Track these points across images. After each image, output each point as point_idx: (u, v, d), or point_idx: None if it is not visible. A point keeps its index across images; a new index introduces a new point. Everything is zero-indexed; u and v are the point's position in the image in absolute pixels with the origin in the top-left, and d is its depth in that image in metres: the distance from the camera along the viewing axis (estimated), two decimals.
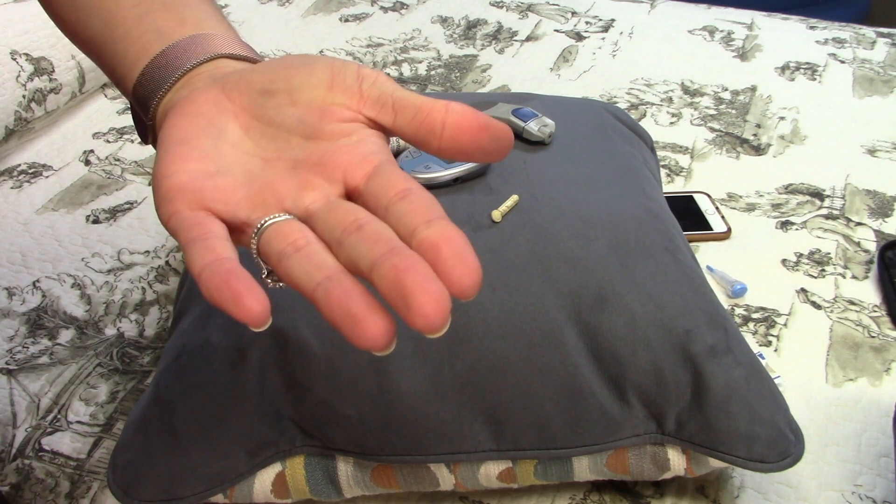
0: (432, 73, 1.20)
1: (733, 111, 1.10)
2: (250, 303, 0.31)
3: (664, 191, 0.94)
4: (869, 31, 1.29)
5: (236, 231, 0.37)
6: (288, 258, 0.34)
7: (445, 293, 0.30)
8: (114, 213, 0.95)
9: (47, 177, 1.02)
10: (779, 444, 0.57)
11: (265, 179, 0.38)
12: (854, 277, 0.83)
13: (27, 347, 0.77)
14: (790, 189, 0.96)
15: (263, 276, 0.36)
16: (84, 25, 0.53)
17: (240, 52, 0.46)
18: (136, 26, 0.49)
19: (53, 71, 1.07)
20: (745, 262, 0.85)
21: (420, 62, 1.23)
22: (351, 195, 0.37)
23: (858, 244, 0.88)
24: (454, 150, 0.36)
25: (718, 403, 0.57)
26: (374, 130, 0.38)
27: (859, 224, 0.90)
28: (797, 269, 0.85)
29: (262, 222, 0.36)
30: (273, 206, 0.37)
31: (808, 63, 1.21)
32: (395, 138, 0.72)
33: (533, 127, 0.72)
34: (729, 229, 0.88)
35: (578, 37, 1.30)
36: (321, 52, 1.25)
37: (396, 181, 0.34)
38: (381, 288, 0.30)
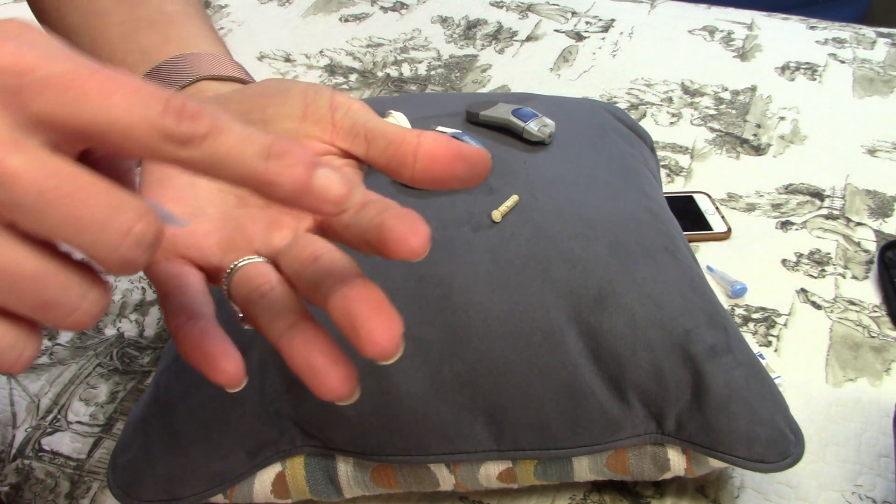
0: (432, 73, 1.20)
1: (733, 111, 1.10)
2: (224, 365, 0.32)
3: (664, 191, 0.94)
4: (869, 31, 1.29)
5: (213, 276, 0.37)
6: (254, 304, 0.34)
7: (397, 320, 0.30)
8: None
9: None
10: (779, 444, 0.57)
11: (237, 221, 0.38)
12: (854, 277, 0.83)
13: None
14: (790, 189, 0.96)
15: (239, 318, 0.36)
16: (72, 46, 0.53)
17: (223, 73, 0.45)
18: (121, 46, 0.49)
19: None
20: (745, 262, 0.85)
21: (420, 62, 1.23)
22: (321, 225, 0.37)
23: (858, 244, 0.88)
24: (427, 181, 0.35)
25: (718, 403, 0.57)
26: (347, 160, 0.38)
27: (859, 224, 0.90)
28: (797, 269, 0.85)
29: (231, 266, 0.36)
30: (244, 248, 0.37)
31: (808, 63, 1.21)
32: None
33: (533, 127, 0.72)
34: (729, 229, 0.88)
35: (578, 37, 1.30)
36: (321, 52, 1.25)
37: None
38: (333, 318, 0.30)
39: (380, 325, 0.29)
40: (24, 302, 0.26)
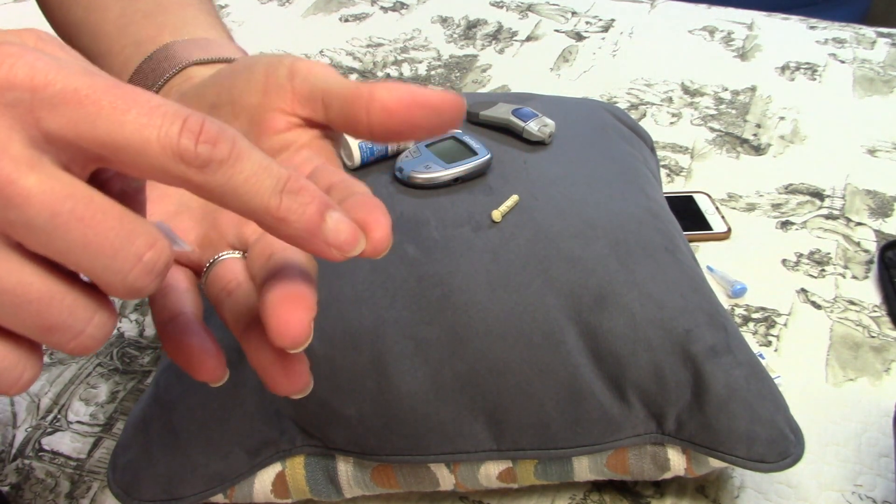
0: (432, 73, 1.20)
1: (733, 111, 1.10)
2: (205, 362, 0.32)
3: (664, 191, 0.94)
4: (869, 31, 1.29)
5: (197, 273, 0.37)
6: (221, 303, 0.34)
7: (305, 309, 0.29)
8: None
9: None
10: (779, 444, 0.57)
11: (212, 216, 0.37)
12: (854, 277, 0.83)
13: None
14: (790, 189, 0.96)
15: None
16: (75, 43, 0.53)
17: (213, 56, 0.45)
18: (118, 40, 0.49)
19: None
20: (745, 262, 0.85)
21: (420, 62, 1.23)
22: None
23: (858, 244, 0.88)
24: (387, 134, 0.34)
25: (718, 403, 0.57)
26: (312, 131, 0.37)
27: (859, 224, 0.90)
28: (797, 269, 0.85)
29: (209, 263, 0.36)
30: (219, 243, 0.37)
31: (808, 63, 1.21)
32: None
33: (533, 127, 0.72)
34: (729, 229, 0.88)
35: (578, 37, 1.30)
36: (321, 52, 1.25)
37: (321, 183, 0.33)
38: (260, 310, 0.30)
39: (286, 314, 0.29)
40: (28, 324, 0.26)
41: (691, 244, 0.87)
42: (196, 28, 0.48)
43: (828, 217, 0.91)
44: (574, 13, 1.37)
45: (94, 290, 0.27)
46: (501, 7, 1.39)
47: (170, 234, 0.28)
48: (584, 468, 0.60)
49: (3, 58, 0.24)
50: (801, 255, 0.86)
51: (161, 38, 0.47)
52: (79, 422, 0.70)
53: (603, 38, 1.29)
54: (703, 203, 0.91)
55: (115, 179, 0.30)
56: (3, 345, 0.26)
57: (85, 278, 0.27)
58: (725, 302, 0.81)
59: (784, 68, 1.20)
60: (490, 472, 0.60)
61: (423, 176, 0.67)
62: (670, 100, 1.13)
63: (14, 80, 0.24)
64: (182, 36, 0.46)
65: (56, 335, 0.26)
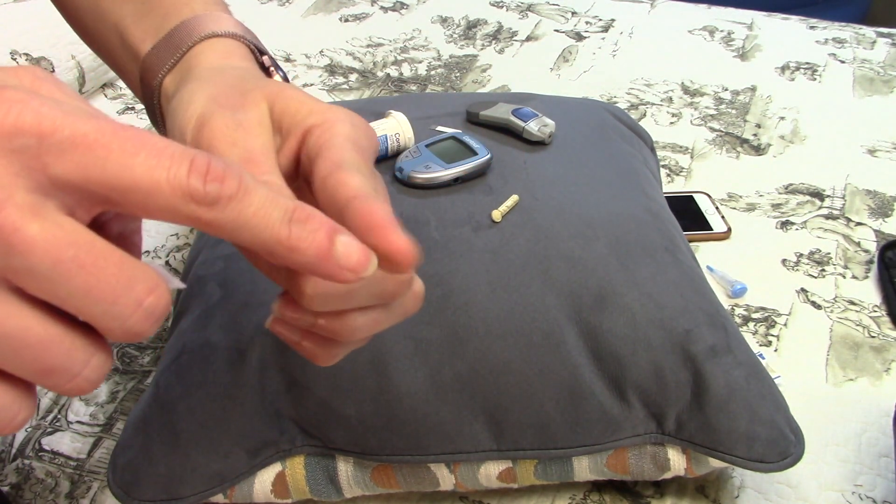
0: (432, 73, 1.20)
1: (733, 111, 1.10)
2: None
3: (664, 191, 0.94)
4: (869, 31, 1.29)
5: None
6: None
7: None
8: None
9: None
10: (779, 444, 0.57)
11: None
12: (854, 277, 0.83)
13: None
14: (790, 189, 0.96)
15: None
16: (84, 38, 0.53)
17: (207, 33, 0.45)
18: (118, 39, 0.50)
19: (53, 71, 1.07)
20: (745, 262, 0.85)
21: (420, 62, 1.23)
22: None
23: (858, 244, 0.88)
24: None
25: (718, 403, 0.57)
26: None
27: (859, 224, 0.90)
28: (797, 269, 0.85)
29: None
30: None
31: (808, 63, 1.21)
32: (393, 136, 0.71)
33: (533, 127, 0.72)
34: (729, 229, 0.88)
35: (578, 37, 1.30)
36: (321, 51, 1.25)
37: None
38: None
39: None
40: (26, 367, 0.26)
41: (691, 244, 0.87)
42: (184, 9, 0.48)
43: (828, 217, 0.91)
44: (574, 13, 1.37)
45: (91, 333, 0.27)
46: (501, 7, 1.39)
47: (164, 274, 0.28)
48: (583, 468, 0.60)
49: (10, 104, 0.24)
50: (801, 255, 0.86)
51: (166, 23, 0.47)
52: (79, 422, 0.70)
53: (603, 38, 1.29)
54: (703, 203, 0.91)
55: (113, 222, 0.30)
56: (0, 386, 0.26)
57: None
58: (725, 302, 0.81)
59: (784, 68, 1.20)
60: (490, 472, 0.60)
61: (423, 176, 0.67)
62: (670, 100, 1.13)
63: (21, 127, 0.24)
64: (175, 21, 0.47)
65: (53, 378, 0.26)
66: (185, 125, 0.38)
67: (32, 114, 0.24)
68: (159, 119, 0.47)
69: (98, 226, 0.29)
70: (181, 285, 0.30)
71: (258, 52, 0.47)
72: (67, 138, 0.24)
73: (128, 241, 0.30)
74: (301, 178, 0.38)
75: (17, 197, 0.24)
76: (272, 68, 0.48)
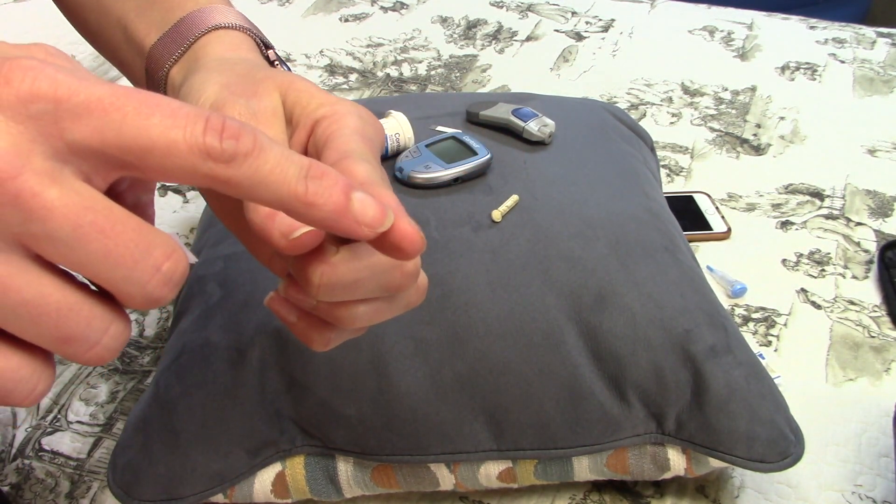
0: (432, 73, 1.20)
1: (733, 111, 1.10)
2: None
3: (664, 191, 0.94)
4: (869, 31, 1.29)
5: None
6: None
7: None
8: None
9: None
10: (779, 444, 0.57)
11: None
12: (854, 277, 0.83)
13: None
14: (790, 189, 0.96)
15: None
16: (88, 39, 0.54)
17: (210, 26, 0.46)
18: (121, 35, 0.50)
19: None
20: (745, 262, 0.85)
21: (420, 62, 1.23)
22: None
23: (858, 244, 0.88)
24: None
25: (718, 403, 0.57)
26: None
27: (859, 224, 0.90)
28: (797, 269, 0.85)
29: None
30: None
31: (808, 63, 1.21)
32: (393, 136, 0.71)
33: (533, 127, 0.72)
34: (729, 229, 0.88)
35: (578, 37, 1.30)
36: (321, 51, 1.25)
37: None
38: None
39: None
40: (45, 335, 0.26)
41: (691, 244, 0.87)
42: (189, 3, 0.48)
43: (828, 217, 0.91)
44: (574, 13, 1.37)
45: (109, 301, 0.27)
46: (501, 7, 1.39)
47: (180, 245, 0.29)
48: (583, 468, 0.60)
49: (25, 71, 0.24)
50: (801, 255, 0.86)
51: (171, 15, 0.47)
52: (79, 422, 0.70)
53: (603, 38, 1.29)
54: (703, 203, 0.91)
55: (128, 192, 0.30)
56: (19, 356, 0.26)
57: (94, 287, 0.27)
58: (725, 302, 0.81)
59: (784, 68, 1.20)
60: (490, 472, 0.60)
61: (423, 176, 0.67)
62: (670, 100, 1.13)
63: (38, 93, 0.24)
64: (177, 16, 0.47)
65: (72, 346, 0.26)
66: None
67: (48, 80, 0.24)
68: None
69: (115, 195, 0.29)
70: (194, 260, 0.30)
71: (263, 45, 0.47)
72: (83, 102, 0.24)
73: (142, 212, 0.31)
74: None
75: (35, 163, 0.24)
76: (277, 63, 0.48)
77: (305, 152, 0.38)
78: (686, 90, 1.15)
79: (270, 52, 0.48)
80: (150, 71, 0.46)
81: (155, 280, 0.26)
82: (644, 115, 1.09)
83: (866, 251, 0.87)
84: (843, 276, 0.84)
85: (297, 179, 0.27)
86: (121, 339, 0.27)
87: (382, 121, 0.72)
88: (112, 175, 0.26)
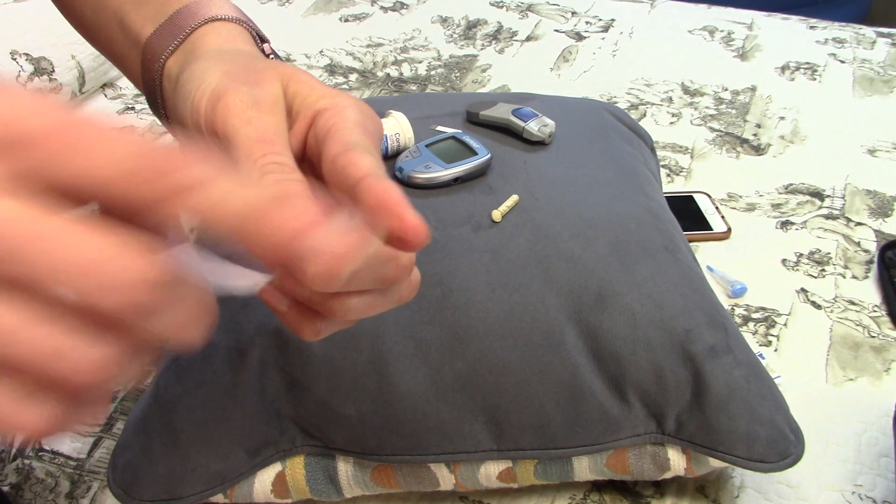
0: (432, 73, 1.20)
1: (733, 111, 1.10)
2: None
3: (664, 191, 0.94)
4: (869, 31, 1.29)
5: None
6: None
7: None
8: None
9: None
10: (779, 444, 0.57)
11: None
12: (854, 277, 0.83)
13: None
14: (790, 189, 0.96)
15: None
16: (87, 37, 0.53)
17: (201, 19, 0.46)
18: (119, 31, 0.50)
19: (53, 71, 1.07)
20: (745, 262, 0.85)
21: (420, 62, 1.23)
22: None
23: (858, 244, 0.88)
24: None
25: (718, 403, 0.57)
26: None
27: (859, 224, 0.90)
28: (797, 269, 0.85)
29: None
30: None
31: (808, 63, 1.21)
32: (393, 136, 0.72)
33: (533, 127, 0.72)
34: (729, 229, 0.88)
35: (578, 37, 1.30)
36: (321, 51, 1.25)
37: None
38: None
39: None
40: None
41: (691, 244, 0.87)
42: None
43: (828, 217, 0.91)
44: (574, 13, 1.37)
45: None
46: (501, 7, 1.39)
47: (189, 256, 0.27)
48: (584, 468, 0.60)
49: None
50: (801, 255, 0.86)
51: (167, 8, 0.47)
52: None
53: (603, 38, 1.29)
54: (703, 203, 0.91)
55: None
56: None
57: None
58: (725, 302, 0.81)
59: (784, 68, 1.20)
60: (490, 472, 0.60)
61: (423, 176, 0.67)
62: (670, 100, 1.13)
63: None
64: (171, 10, 0.47)
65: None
66: (199, 99, 0.38)
67: (7, 108, 0.23)
68: (160, 106, 0.47)
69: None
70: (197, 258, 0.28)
71: (259, 39, 0.48)
72: (30, 132, 0.24)
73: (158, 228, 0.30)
74: (306, 160, 0.38)
75: None
76: (272, 56, 0.48)
77: (305, 143, 0.38)
78: (686, 90, 1.15)
79: (266, 45, 0.48)
80: (146, 63, 0.46)
81: (120, 284, 0.23)
82: (644, 115, 1.09)
83: (866, 251, 0.87)
84: (843, 276, 0.84)
85: (255, 198, 0.26)
86: (103, 367, 0.25)
87: (382, 121, 0.72)
88: (83, 199, 0.25)
